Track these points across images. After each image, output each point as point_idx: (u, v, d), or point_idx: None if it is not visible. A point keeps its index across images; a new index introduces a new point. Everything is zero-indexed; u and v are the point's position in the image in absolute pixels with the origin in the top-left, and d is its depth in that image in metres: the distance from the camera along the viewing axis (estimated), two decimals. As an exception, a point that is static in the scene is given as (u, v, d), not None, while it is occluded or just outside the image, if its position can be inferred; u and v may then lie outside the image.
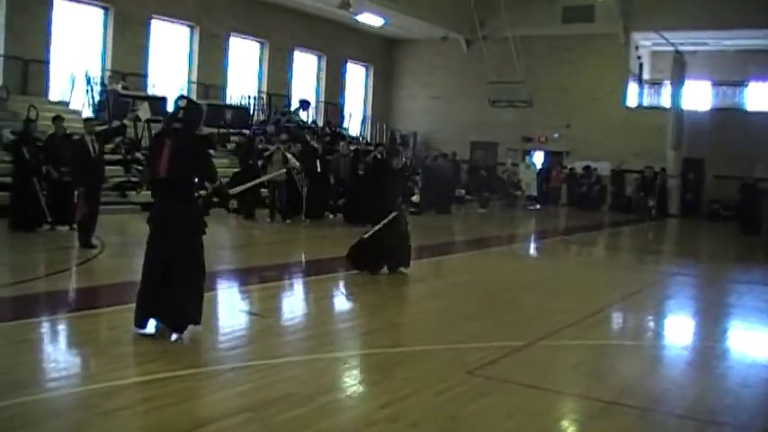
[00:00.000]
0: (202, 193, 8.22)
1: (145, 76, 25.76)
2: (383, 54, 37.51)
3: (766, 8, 27.89)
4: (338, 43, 34.19)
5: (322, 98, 34.07)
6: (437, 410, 5.89)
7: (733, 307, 11.81)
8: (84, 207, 12.95)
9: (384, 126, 35.76)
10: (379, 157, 19.10)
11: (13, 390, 5.69)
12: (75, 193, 13.37)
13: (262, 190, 19.79)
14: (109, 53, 24.95)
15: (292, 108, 30.08)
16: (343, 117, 34.20)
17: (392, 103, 38.05)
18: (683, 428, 6.01)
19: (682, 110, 31.07)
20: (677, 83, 31.37)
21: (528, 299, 11.27)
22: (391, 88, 38.09)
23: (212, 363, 6.72)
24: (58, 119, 15.44)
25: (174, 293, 7.50)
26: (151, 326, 7.61)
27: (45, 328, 8.09)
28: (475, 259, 15.87)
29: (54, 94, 23.19)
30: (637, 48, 34.21)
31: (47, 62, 22.96)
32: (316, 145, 22.41)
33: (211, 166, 7.96)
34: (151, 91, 24.95)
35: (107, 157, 16.37)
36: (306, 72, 33.69)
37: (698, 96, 33.03)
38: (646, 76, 35.01)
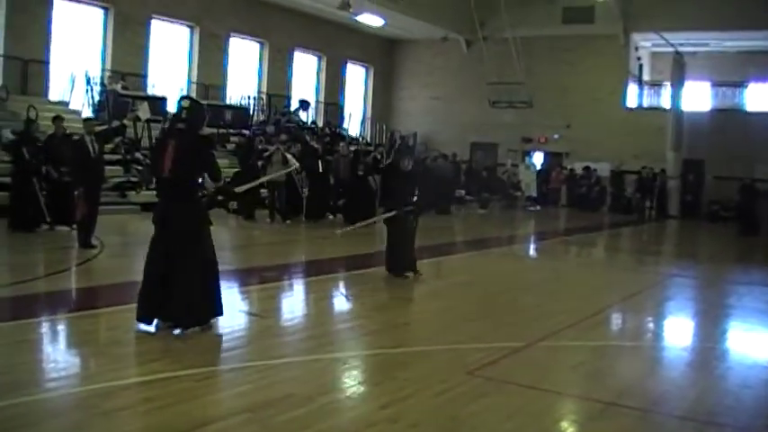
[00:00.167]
0: (206, 192, 8.27)
1: (145, 76, 25.76)
2: (383, 54, 37.52)
3: (766, 9, 27.90)
4: (338, 44, 34.19)
5: (322, 99, 34.08)
6: (437, 411, 5.89)
7: (733, 308, 11.80)
8: (83, 207, 12.94)
9: (384, 127, 35.75)
10: (379, 157, 19.08)
11: (13, 390, 5.68)
12: (75, 193, 13.37)
13: (261, 190, 19.80)
14: (109, 53, 24.95)
15: (292, 108, 30.10)
16: (342, 117, 34.19)
17: (392, 103, 38.05)
18: (682, 429, 6.01)
19: (681, 111, 31.07)
20: (677, 84, 31.37)
21: (528, 300, 11.26)
22: (391, 89, 38.10)
23: (212, 363, 6.71)
24: (57, 119, 15.44)
25: (177, 292, 7.56)
26: (153, 324, 7.64)
27: (44, 328, 8.09)
28: (475, 260, 15.87)
29: (54, 94, 23.19)
30: (637, 49, 34.23)
31: (47, 62, 22.96)
32: (316, 145, 22.41)
33: (215, 166, 8.01)
34: (151, 91, 24.95)
35: (107, 157, 16.37)
36: (306, 72, 33.70)
37: (698, 97, 33.03)
38: (646, 77, 35.01)
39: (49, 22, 22.96)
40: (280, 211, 19.64)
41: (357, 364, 7.29)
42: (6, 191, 15.59)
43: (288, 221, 19.40)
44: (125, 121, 14.46)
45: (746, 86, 32.88)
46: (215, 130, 24.12)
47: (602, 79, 32.96)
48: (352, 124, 34.34)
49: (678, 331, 10.37)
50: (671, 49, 31.66)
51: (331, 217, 21.04)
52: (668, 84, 32.61)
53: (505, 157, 34.06)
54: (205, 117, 7.98)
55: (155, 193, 8.28)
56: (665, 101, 32.85)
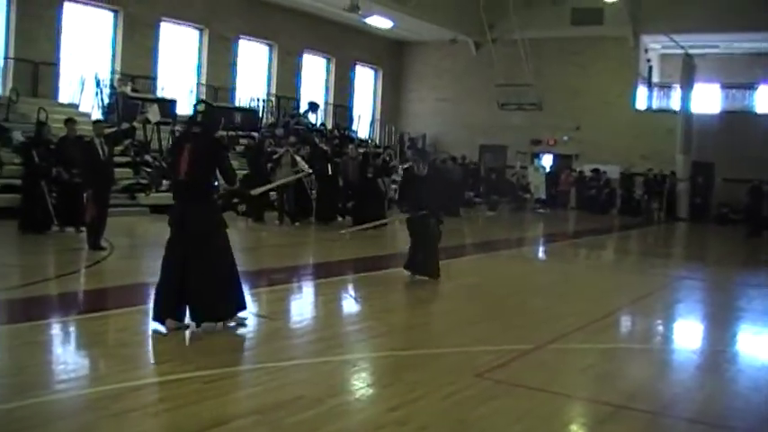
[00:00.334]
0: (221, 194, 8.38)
1: (154, 78, 25.82)
2: (392, 56, 37.52)
3: (776, 11, 27.84)
4: (347, 46, 34.21)
5: (331, 101, 34.10)
6: (446, 414, 5.89)
7: (742, 311, 11.76)
8: (93, 209, 12.97)
9: (393, 128, 35.76)
10: (388, 159, 19.04)
11: (23, 391, 5.70)
12: (85, 195, 13.41)
13: (270, 193, 19.81)
14: (118, 56, 25.02)
15: (301, 111, 30.13)
16: (351, 119, 34.22)
17: (401, 105, 38.05)
18: (692, 433, 6.00)
19: (691, 113, 30.96)
20: (686, 86, 31.26)
21: (537, 302, 11.24)
22: (400, 91, 38.10)
23: (221, 365, 6.71)
24: (70, 121, 15.48)
25: (194, 293, 7.67)
26: (170, 323, 7.70)
27: (54, 329, 8.12)
28: (483, 262, 15.86)
29: (63, 97, 23.27)
30: (646, 51, 34.15)
31: (56, 65, 23.04)
32: (325, 147, 22.43)
33: (230, 169, 8.15)
34: (160, 93, 25.02)
35: (116, 159, 16.41)
36: (314, 75, 33.72)
37: (707, 99, 32.93)
38: (655, 78, 34.92)
39: (59, 24, 23.04)
40: (289, 213, 19.65)
41: (366, 366, 7.29)
42: (17, 193, 15.65)
43: (297, 224, 19.41)
44: (135, 124, 14.50)
45: (756, 88, 32.79)
46: (224, 133, 24.16)
47: (612, 81, 32.90)
48: (361, 126, 34.35)
49: (688, 334, 10.34)
50: (680, 51, 31.57)
51: (340, 219, 21.03)
52: (677, 86, 32.49)
53: (514, 160, 34.03)
54: (220, 121, 8.21)
55: (171, 195, 8.36)
56: (675, 103, 32.75)
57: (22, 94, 21.15)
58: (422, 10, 30.57)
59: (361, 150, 23.54)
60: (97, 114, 22.23)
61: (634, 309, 11.34)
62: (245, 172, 20.88)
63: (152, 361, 7.09)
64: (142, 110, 19.09)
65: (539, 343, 8.25)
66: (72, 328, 8.21)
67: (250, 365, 6.91)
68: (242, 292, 8.17)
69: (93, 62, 24.21)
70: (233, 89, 28.86)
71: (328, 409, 5.79)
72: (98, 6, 24.44)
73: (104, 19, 24.82)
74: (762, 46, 32.21)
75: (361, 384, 6.74)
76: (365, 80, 37.02)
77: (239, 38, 29.34)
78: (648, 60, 34.57)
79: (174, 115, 23.40)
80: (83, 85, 23.46)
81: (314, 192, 20.41)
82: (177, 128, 23.07)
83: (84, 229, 13.72)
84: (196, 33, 28.02)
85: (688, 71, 31.34)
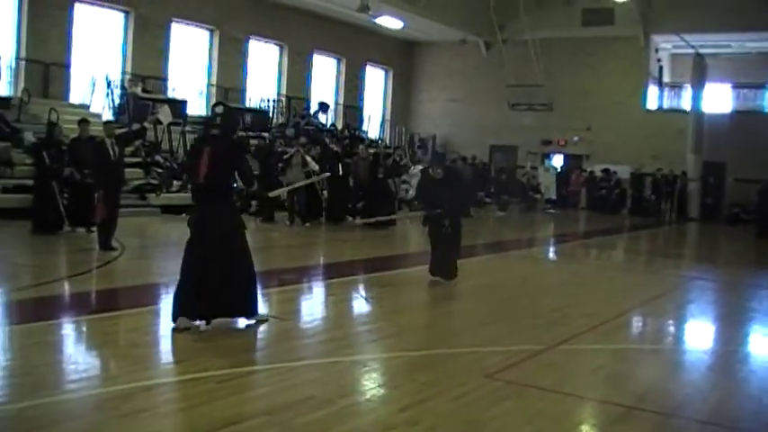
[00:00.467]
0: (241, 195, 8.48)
1: (165, 79, 25.88)
2: (402, 57, 37.52)
3: (788, 10, 27.73)
4: (357, 46, 34.23)
5: (341, 101, 34.13)
6: (456, 414, 5.88)
7: (755, 311, 11.72)
8: (103, 210, 13.00)
9: (403, 129, 35.76)
10: (398, 159, 19.03)
11: (34, 391, 5.72)
12: (96, 195, 13.44)
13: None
14: (129, 56, 25.09)
15: (311, 111, 30.15)
16: (361, 120, 34.22)
17: (411, 106, 38.05)
18: (704, 434, 5.98)
19: (702, 113, 30.88)
20: (698, 85, 31.17)
21: (547, 302, 11.21)
22: (410, 91, 38.10)
23: (232, 365, 6.71)
24: (83, 122, 15.52)
25: (213, 292, 7.73)
26: (182, 322, 7.74)
27: (66, 329, 8.15)
28: (493, 263, 15.83)
29: (75, 98, 23.34)
30: (657, 50, 34.05)
31: (67, 66, 23.12)
32: (336, 148, 22.43)
33: (249, 171, 8.36)
34: (171, 94, 25.07)
35: (127, 159, 16.44)
36: (325, 75, 33.75)
37: (718, 99, 32.82)
38: (666, 78, 34.83)
39: (70, 25, 23.12)
40: (299, 213, 19.66)
41: (376, 366, 7.28)
42: (29, 193, 15.71)
43: (307, 224, 19.42)
44: (145, 124, 14.53)
45: (768, 88, 32.68)
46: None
47: (622, 81, 32.83)
48: (372, 127, 34.37)
49: (699, 335, 10.31)
50: (691, 51, 31.48)
51: (350, 219, 21.04)
52: (689, 85, 32.38)
53: (525, 160, 34.00)
54: (239, 123, 8.30)
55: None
56: (686, 103, 32.65)
57: (34, 95, 21.21)
58: (432, 10, 30.57)
59: (372, 151, 23.53)
60: (108, 115, 22.26)
61: (645, 309, 11.30)
62: (255, 173, 20.95)
63: (162, 361, 7.11)
64: (153, 110, 19.12)
65: (549, 343, 8.23)
66: (83, 328, 8.23)
67: (260, 366, 6.92)
68: (257, 296, 8.25)
69: (104, 63, 24.28)
70: (243, 90, 28.91)
71: (339, 410, 5.78)
72: (109, 7, 24.51)
73: (115, 20, 24.90)
74: (773, 45, 32.10)
75: (371, 385, 6.73)
76: (375, 80, 37.03)
77: (250, 38, 29.38)
78: (659, 60, 34.46)
79: (185, 116, 23.45)
80: (94, 85, 23.54)
81: (324, 192, 20.42)
82: (188, 128, 23.17)
83: (94, 229, 13.75)
84: (207, 34, 28.07)
85: (699, 71, 31.24)
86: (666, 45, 34.32)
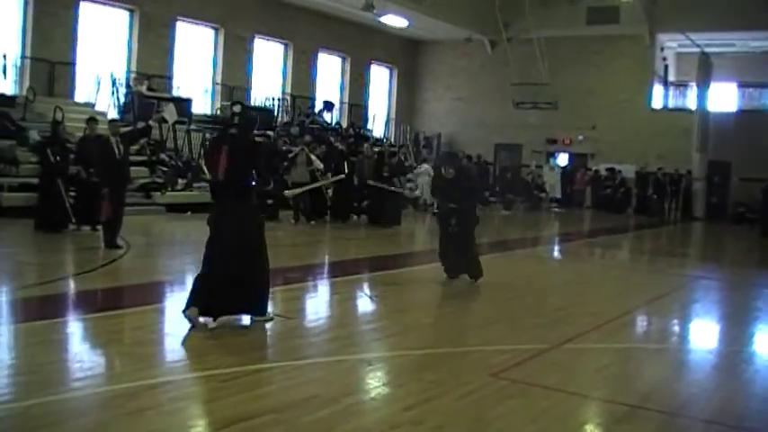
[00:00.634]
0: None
1: (170, 77, 25.90)
2: (407, 55, 37.51)
3: (793, 9, 27.67)
4: (362, 45, 34.23)
5: (346, 100, 34.14)
6: (461, 413, 5.87)
7: (760, 311, 11.70)
8: (108, 208, 13.01)
9: (408, 128, 35.76)
10: (403, 158, 19.01)
11: (39, 389, 5.73)
12: (101, 193, 13.46)
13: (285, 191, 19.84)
14: (134, 55, 25.13)
15: (316, 110, 30.16)
16: (366, 118, 34.23)
17: (416, 104, 38.04)
18: (709, 433, 5.97)
19: (707, 112, 30.85)
20: (703, 84, 31.14)
21: (552, 302, 11.20)
22: (415, 90, 38.09)
23: (236, 364, 6.72)
24: (91, 121, 15.56)
25: (227, 291, 7.82)
26: (192, 311, 7.78)
27: (71, 327, 8.16)
28: (498, 262, 15.80)
29: (80, 96, 23.37)
30: (662, 49, 34.02)
31: (73, 64, 23.16)
32: (341, 146, 22.43)
33: (266, 170, 8.35)
34: (176, 93, 25.08)
35: (132, 158, 16.45)
36: (330, 74, 33.75)
37: (724, 98, 32.76)
38: (671, 77, 34.81)
39: (75, 24, 23.18)
40: (304, 211, 19.66)
41: (381, 365, 7.27)
42: (34, 192, 15.74)
43: (312, 222, 19.43)
44: (150, 123, 14.55)
45: (774, 87, 32.61)
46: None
47: (627, 80, 32.80)
48: (376, 125, 34.37)
49: (704, 334, 10.29)
50: (697, 50, 31.45)
51: (355, 218, 21.06)
52: (694, 84, 32.37)
53: (530, 159, 33.98)
54: (256, 121, 8.44)
55: (210, 195, 8.56)
56: (691, 102, 32.63)
57: (39, 94, 21.26)
58: (437, 9, 30.57)
59: (377, 149, 23.52)
60: (113, 113, 22.32)
61: (650, 309, 11.28)
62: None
63: (167, 359, 7.11)
64: (158, 109, 19.16)
65: (554, 342, 8.22)
66: (88, 327, 8.23)
67: (265, 364, 6.92)
68: (267, 297, 8.30)
69: (110, 61, 24.32)
70: (248, 88, 28.92)
71: (343, 408, 5.78)
72: (114, 6, 24.55)
73: (120, 18, 24.94)
74: (779, 44, 32.03)
75: (376, 383, 6.73)
76: (380, 79, 37.03)
77: (255, 37, 29.40)
78: (664, 59, 34.43)
79: (190, 114, 23.48)
80: (99, 84, 23.56)
81: (329, 191, 20.42)
82: (193, 127, 23.20)
83: (100, 227, 13.76)
84: (212, 33, 28.09)
85: (704, 70, 31.21)
86: (672, 44, 34.28)
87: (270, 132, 25.20)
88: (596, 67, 33.34)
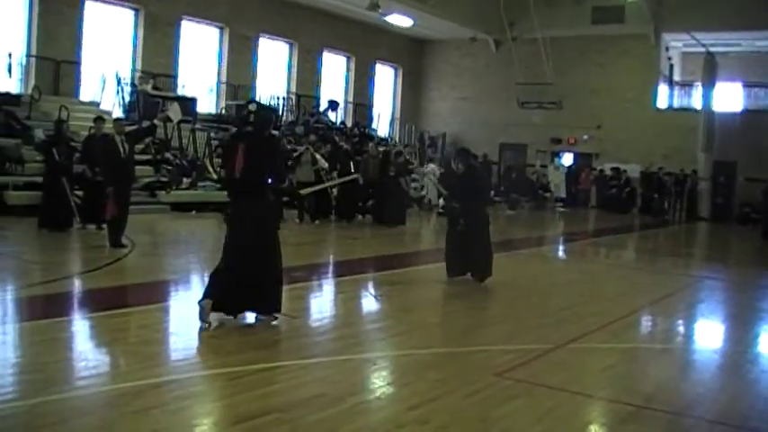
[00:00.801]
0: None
1: (175, 76, 25.93)
2: (412, 55, 37.50)
3: (799, 9, 27.60)
4: (367, 44, 34.24)
5: (351, 99, 34.14)
6: (466, 412, 5.88)
7: (765, 311, 11.70)
8: (113, 207, 13.01)
9: (413, 127, 35.76)
10: (409, 157, 19.00)
11: (44, 387, 5.74)
12: (106, 192, 13.46)
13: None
14: (139, 54, 25.17)
15: (321, 109, 30.17)
16: (371, 118, 34.24)
17: (420, 104, 38.03)
18: (714, 434, 5.96)
19: (713, 112, 30.79)
20: (708, 84, 31.08)
21: (556, 302, 11.20)
22: (420, 89, 38.09)
23: (241, 363, 6.72)
24: (99, 120, 15.58)
25: (241, 289, 7.92)
26: (208, 306, 7.85)
27: (76, 326, 8.17)
28: (503, 261, 15.73)
29: (85, 95, 23.41)
30: (667, 49, 33.95)
31: (78, 63, 23.19)
32: (345, 146, 22.42)
33: (281, 168, 8.41)
34: (181, 91, 25.10)
35: (137, 157, 16.46)
36: (334, 73, 33.76)
37: (729, 98, 32.69)
38: (676, 77, 34.73)
39: (81, 23, 23.20)
40: (309, 211, 19.66)
41: (386, 364, 7.28)
42: (39, 190, 15.75)
43: (317, 222, 19.42)
44: (155, 122, 14.56)
45: (779, 86, 32.52)
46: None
47: (633, 80, 32.74)
48: (381, 125, 34.37)
49: (709, 334, 10.27)
50: (702, 50, 31.39)
51: (360, 217, 21.05)
52: (699, 84, 32.29)
53: (534, 158, 33.96)
54: (272, 120, 8.70)
55: (226, 193, 8.63)
56: (696, 101, 32.54)
57: (44, 93, 21.25)
58: (442, 8, 30.55)
59: (382, 149, 23.51)
60: (118, 112, 22.34)
61: (655, 309, 11.26)
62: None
63: (172, 358, 7.12)
64: (163, 108, 19.15)
65: (559, 342, 8.22)
66: (93, 325, 8.25)
67: (271, 363, 6.92)
68: (281, 296, 8.32)
69: (115, 60, 24.35)
70: (253, 87, 28.92)
71: (349, 408, 5.79)
72: (119, 4, 24.59)
73: (126, 17, 24.97)
74: (785, 44, 31.95)
75: (381, 383, 6.74)
76: (385, 78, 37.03)
77: (260, 36, 29.42)
78: (670, 59, 34.37)
79: (195, 113, 23.49)
80: (104, 83, 23.59)
81: (334, 190, 20.43)
82: (198, 126, 23.21)
83: (104, 226, 13.77)
84: (217, 32, 28.11)
85: (710, 69, 31.15)
86: (677, 43, 34.21)
87: (275, 132, 25.22)
88: (601, 67, 33.30)
